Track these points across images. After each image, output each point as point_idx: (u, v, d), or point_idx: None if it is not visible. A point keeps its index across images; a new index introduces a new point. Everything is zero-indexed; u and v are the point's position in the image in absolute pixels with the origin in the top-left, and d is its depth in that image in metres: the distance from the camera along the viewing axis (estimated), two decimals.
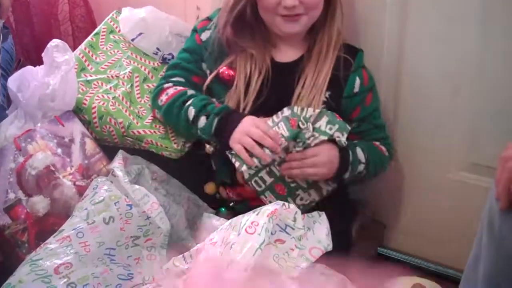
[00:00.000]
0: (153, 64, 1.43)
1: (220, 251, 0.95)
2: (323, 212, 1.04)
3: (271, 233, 0.93)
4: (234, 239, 0.94)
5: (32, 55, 1.79)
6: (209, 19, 1.33)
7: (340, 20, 1.26)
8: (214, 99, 1.28)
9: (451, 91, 1.27)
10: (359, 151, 1.23)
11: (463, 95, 1.26)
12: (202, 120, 1.23)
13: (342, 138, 1.18)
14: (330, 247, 0.98)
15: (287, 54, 1.29)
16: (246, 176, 1.22)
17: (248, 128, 1.18)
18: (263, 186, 1.23)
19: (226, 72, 1.28)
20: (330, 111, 1.20)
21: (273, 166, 1.22)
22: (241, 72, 1.26)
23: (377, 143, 1.30)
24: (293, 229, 0.96)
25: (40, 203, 1.20)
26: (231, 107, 1.25)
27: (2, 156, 1.21)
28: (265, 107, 1.24)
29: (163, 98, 1.30)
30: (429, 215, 1.40)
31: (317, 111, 1.18)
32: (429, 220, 1.40)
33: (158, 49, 1.44)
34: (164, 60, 1.45)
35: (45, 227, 1.20)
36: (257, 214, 0.95)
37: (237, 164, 1.17)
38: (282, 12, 1.20)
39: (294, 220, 0.96)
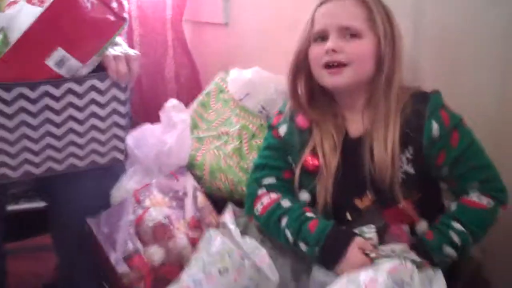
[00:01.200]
0: (260, 121, 1.48)
1: None
2: (439, 269, 1.04)
3: None
4: None
5: (139, 111, 1.91)
6: (280, 112, 1.33)
7: (398, 84, 1.20)
8: (308, 209, 1.25)
9: None
10: (444, 245, 1.14)
11: None
12: (303, 247, 1.20)
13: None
14: None
15: (355, 128, 1.25)
16: None
17: (357, 266, 1.11)
18: None
19: (311, 163, 1.25)
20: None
21: None
22: (321, 153, 1.23)
23: (474, 198, 1.18)
24: (411, 286, 0.96)
25: (156, 254, 1.28)
26: (326, 227, 1.19)
27: (123, 208, 1.30)
28: (348, 186, 1.22)
29: (259, 208, 1.27)
30: None
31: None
32: None
33: (263, 107, 1.49)
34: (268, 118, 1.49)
35: (160, 275, 1.27)
36: (375, 271, 0.97)
37: None
38: (324, 60, 1.18)
39: (411, 278, 0.97)
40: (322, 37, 1.20)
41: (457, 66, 1.35)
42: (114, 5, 1.17)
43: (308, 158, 1.25)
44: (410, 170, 1.20)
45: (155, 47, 1.84)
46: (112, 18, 1.15)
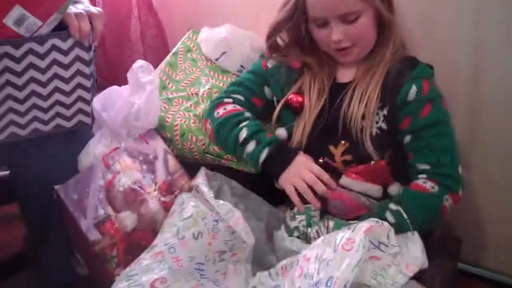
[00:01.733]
0: (231, 80, 1.46)
1: (315, 267, 0.96)
2: (415, 231, 1.04)
3: (366, 250, 0.94)
4: (330, 256, 0.95)
5: (105, 74, 1.85)
6: None
7: (398, 40, 1.26)
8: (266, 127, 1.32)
9: None
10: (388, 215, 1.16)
11: None
12: (251, 145, 1.26)
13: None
14: (426, 265, 0.98)
15: (346, 74, 1.30)
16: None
17: (302, 171, 1.20)
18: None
19: (295, 99, 1.29)
20: None
21: None
22: (308, 96, 1.28)
23: (419, 181, 1.19)
24: (387, 246, 0.96)
25: (128, 219, 1.24)
26: (280, 140, 1.29)
27: (92, 174, 1.25)
28: (324, 127, 1.26)
29: (220, 111, 1.32)
30: (509, 228, 1.38)
31: None
32: (509, 234, 1.38)
33: (242, 66, 1.47)
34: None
35: (133, 241, 1.23)
36: (352, 231, 0.96)
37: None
38: (333, 47, 1.23)
39: (388, 237, 0.97)
40: (323, 22, 1.22)
41: (431, 18, 1.34)
42: None
43: (292, 95, 1.29)
44: (385, 127, 1.22)
45: (119, 7, 1.77)
46: None
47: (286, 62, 1.33)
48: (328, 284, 0.90)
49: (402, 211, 1.14)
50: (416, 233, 1.04)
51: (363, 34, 1.23)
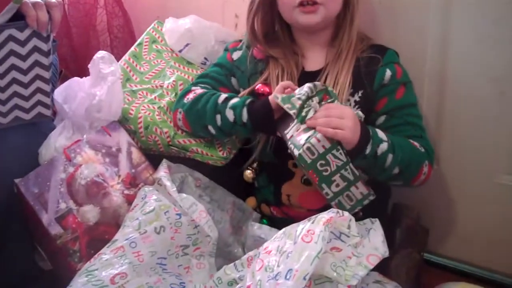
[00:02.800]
0: (196, 72, 1.44)
1: (276, 259, 0.95)
2: (377, 219, 1.04)
3: (327, 242, 0.93)
4: (290, 248, 0.94)
5: (71, 66, 1.82)
6: (240, 40, 1.37)
7: (359, 22, 1.26)
8: None
9: (497, 95, 1.26)
10: (378, 130, 1.15)
11: (509, 99, 1.25)
12: (235, 99, 1.24)
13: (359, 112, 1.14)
14: (387, 254, 0.98)
15: (315, 63, 1.30)
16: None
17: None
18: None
19: (262, 89, 1.29)
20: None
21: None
22: (275, 86, 1.26)
23: (410, 139, 1.22)
24: (348, 236, 0.95)
25: (90, 212, 1.22)
26: None
27: (53, 167, 1.23)
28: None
29: (190, 96, 1.30)
30: (475, 219, 1.39)
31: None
32: (475, 225, 1.39)
33: (206, 58, 1.46)
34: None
35: (95, 235, 1.22)
36: (312, 223, 0.95)
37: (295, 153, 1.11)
38: (297, 0, 1.21)
39: (349, 227, 0.96)
40: None
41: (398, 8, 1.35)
42: None
43: (259, 86, 1.29)
44: (363, 106, 1.23)
45: None
46: None
47: (252, 53, 1.32)
48: (287, 276, 0.89)
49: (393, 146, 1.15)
50: (377, 221, 1.03)
51: None
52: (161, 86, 1.38)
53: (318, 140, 1.06)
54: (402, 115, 1.23)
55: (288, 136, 1.12)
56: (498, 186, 1.33)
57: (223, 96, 1.26)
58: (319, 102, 1.11)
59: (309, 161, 1.07)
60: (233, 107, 1.22)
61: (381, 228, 1.02)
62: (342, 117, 1.08)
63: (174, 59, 1.45)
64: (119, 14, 1.75)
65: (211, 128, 1.27)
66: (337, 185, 1.09)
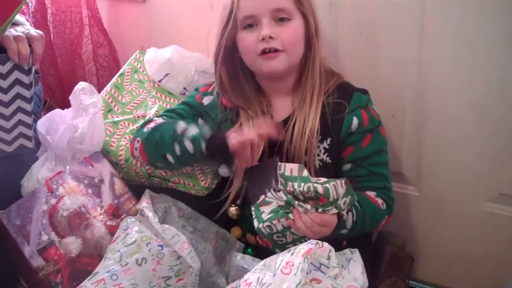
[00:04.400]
0: (178, 102, 1.44)
1: None
2: (356, 250, 1.04)
3: (306, 273, 0.93)
4: (269, 280, 0.94)
5: (57, 95, 1.83)
6: (212, 83, 1.34)
7: (323, 66, 1.26)
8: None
9: (476, 121, 1.27)
10: (349, 217, 1.13)
11: (489, 124, 1.26)
12: (193, 129, 1.20)
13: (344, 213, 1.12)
14: (366, 285, 0.98)
15: (281, 112, 1.29)
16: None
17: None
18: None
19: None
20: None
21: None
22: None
23: (373, 194, 1.23)
24: (328, 267, 0.95)
25: (72, 244, 1.22)
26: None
27: (35, 199, 1.23)
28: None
29: (150, 125, 1.28)
30: (459, 246, 1.39)
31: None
32: (459, 251, 1.39)
33: (185, 89, 1.46)
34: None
35: (78, 267, 1.21)
36: (291, 254, 0.95)
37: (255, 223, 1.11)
38: (260, 47, 1.20)
39: (329, 258, 0.96)
40: (251, 23, 1.20)
41: (375, 40, 1.36)
42: None
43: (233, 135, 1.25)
44: (327, 159, 1.24)
45: (70, 27, 1.76)
46: None
47: (221, 101, 1.31)
48: None
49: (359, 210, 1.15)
50: (357, 252, 1.03)
51: (293, 39, 1.21)
52: (143, 116, 1.38)
53: (279, 220, 1.07)
54: (367, 165, 1.23)
55: (252, 197, 1.12)
56: (481, 213, 1.34)
57: (182, 125, 1.22)
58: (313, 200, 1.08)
59: (266, 233, 1.09)
60: (193, 140, 1.20)
61: (361, 258, 1.02)
62: (324, 226, 1.08)
63: (155, 89, 1.46)
64: (104, 44, 1.76)
65: (169, 157, 1.22)
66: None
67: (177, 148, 1.21)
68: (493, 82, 1.22)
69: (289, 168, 1.09)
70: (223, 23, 1.24)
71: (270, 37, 1.18)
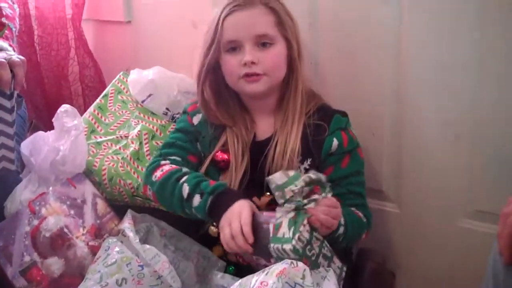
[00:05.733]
0: (161, 122, 1.47)
1: None
2: (330, 268, 1.05)
3: None
4: None
5: (44, 115, 1.85)
6: (196, 102, 1.35)
7: (304, 87, 1.28)
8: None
9: (452, 139, 1.29)
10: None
11: (464, 143, 1.28)
12: (196, 199, 1.20)
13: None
14: None
15: (264, 131, 1.31)
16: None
17: (232, 219, 1.14)
18: None
19: (220, 157, 1.29)
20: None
21: None
22: (233, 153, 1.28)
23: (353, 208, 1.25)
24: (303, 286, 0.96)
25: (55, 265, 1.24)
26: (225, 184, 1.22)
27: (17, 220, 1.25)
28: (249, 182, 1.27)
29: (158, 174, 1.27)
30: (437, 262, 1.40)
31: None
32: (439, 267, 1.40)
33: (167, 109, 1.48)
34: (173, 119, 1.48)
35: (60, 287, 1.23)
36: (266, 274, 0.96)
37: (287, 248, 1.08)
38: (243, 71, 1.22)
39: (303, 277, 0.97)
40: (234, 47, 1.23)
41: (354, 60, 1.39)
42: None
43: (218, 153, 1.28)
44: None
45: (57, 49, 1.78)
46: None
47: (209, 119, 1.32)
48: None
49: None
50: (331, 271, 1.04)
51: (275, 64, 1.23)
52: (126, 136, 1.40)
53: (303, 226, 1.06)
54: (346, 184, 1.25)
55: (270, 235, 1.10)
56: (459, 229, 1.35)
57: (186, 191, 1.21)
58: (310, 192, 1.09)
59: (301, 250, 1.05)
60: (197, 210, 1.20)
61: (335, 277, 1.03)
62: (335, 206, 1.10)
63: (138, 109, 1.48)
64: (90, 65, 1.78)
65: (182, 213, 1.25)
66: (323, 265, 1.09)
67: (187, 211, 1.23)
68: (466, 102, 1.25)
69: (279, 177, 1.08)
70: (207, 45, 1.26)
71: (252, 63, 1.21)
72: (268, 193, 1.24)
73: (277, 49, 1.23)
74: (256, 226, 1.12)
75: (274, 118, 1.30)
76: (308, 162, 1.25)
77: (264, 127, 1.31)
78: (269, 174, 1.24)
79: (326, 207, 1.07)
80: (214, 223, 1.29)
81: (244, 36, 1.21)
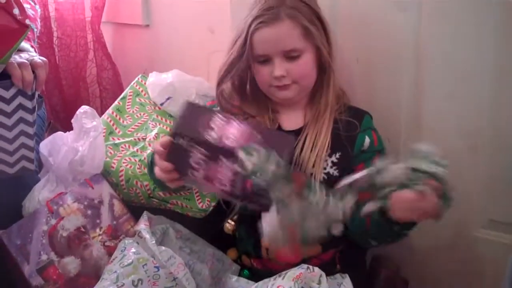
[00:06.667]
0: None
1: None
2: (346, 275, 1.06)
3: None
4: None
5: (61, 116, 1.87)
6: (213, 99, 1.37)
7: (336, 85, 1.30)
8: None
9: (469, 148, 1.29)
10: None
11: (481, 152, 1.28)
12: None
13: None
14: None
15: (292, 121, 1.32)
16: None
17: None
18: None
19: None
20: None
21: None
22: None
23: None
24: None
25: (71, 264, 1.25)
26: None
27: (35, 219, 1.26)
28: None
29: None
30: (451, 271, 1.40)
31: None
32: (451, 276, 1.40)
33: None
34: None
35: (76, 287, 1.24)
36: (282, 279, 0.97)
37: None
38: (274, 84, 1.25)
39: (319, 283, 0.98)
40: (265, 60, 1.25)
41: (371, 67, 1.40)
42: (16, 11, 1.12)
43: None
44: (335, 172, 1.26)
45: (75, 50, 1.80)
46: (14, 25, 1.11)
47: (230, 111, 1.33)
48: None
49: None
50: (347, 277, 1.05)
51: (304, 73, 1.26)
52: (143, 138, 1.41)
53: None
54: None
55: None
56: (473, 238, 1.35)
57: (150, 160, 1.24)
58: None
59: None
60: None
61: (351, 283, 1.04)
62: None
63: (156, 112, 1.49)
64: (108, 67, 1.80)
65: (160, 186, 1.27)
66: None
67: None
68: (485, 111, 1.25)
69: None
70: (235, 55, 1.27)
71: (282, 76, 1.23)
72: None
73: (305, 58, 1.24)
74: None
75: (304, 111, 1.32)
76: (337, 156, 1.27)
77: (293, 118, 1.32)
78: (295, 165, 1.24)
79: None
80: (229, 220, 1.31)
81: (272, 51, 1.23)
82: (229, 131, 1.03)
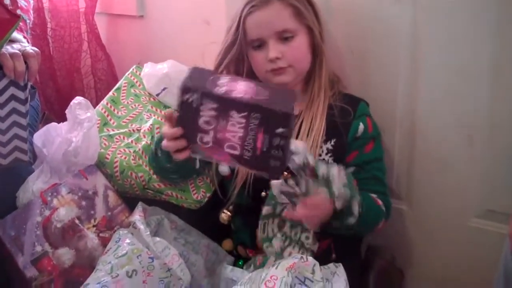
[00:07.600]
0: None
1: None
2: (340, 264, 1.05)
3: (291, 286, 0.95)
4: None
5: (56, 107, 1.86)
6: None
7: (329, 68, 1.32)
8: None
9: (465, 141, 1.29)
10: (354, 204, 1.14)
11: (477, 145, 1.28)
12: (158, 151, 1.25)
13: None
14: None
15: None
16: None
17: None
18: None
19: None
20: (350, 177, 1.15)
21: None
22: None
23: (375, 195, 1.26)
24: (312, 281, 0.97)
25: (65, 255, 1.25)
26: None
27: (29, 210, 1.25)
28: None
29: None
30: (447, 261, 1.40)
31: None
32: (448, 266, 1.40)
33: None
34: None
35: (70, 278, 1.24)
36: (276, 268, 0.97)
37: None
38: (269, 67, 1.26)
39: (313, 272, 0.98)
40: (259, 44, 1.27)
41: (365, 58, 1.39)
42: (7, 1, 1.12)
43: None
44: (330, 159, 1.27)
45: (69, 41, 1.79)
46: (5, 15, 1.11)
47: None
48: None
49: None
50: (341, 266, 1.05)
51: (299, 56, 1.27)
52: (138, 130, 1.41)
53: None
54: (369, 169, 1.28)
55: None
56: (469, 228, 1.35)
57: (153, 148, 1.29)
58: None
59: None
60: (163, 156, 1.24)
61: (345, 273, 1.03)
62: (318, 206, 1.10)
63: (151, 103, 1.48)
64: (102, 58, 1.79)
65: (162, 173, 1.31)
66: None
67: (162, 166, 1.27)
68: (481, 104, 1.25)
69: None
70: (228, 43, 1.30)
71: (277, 58, 1.25)
72: (286, 173, 1.19)
73: (298, 40, 1.26)
74: None
75: (300, 97, 1.32)
76: (332, 143, 1.27)
77: None
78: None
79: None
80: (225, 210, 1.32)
81: (265, 34, 1.25)
82: (236, 86, 1.04)
